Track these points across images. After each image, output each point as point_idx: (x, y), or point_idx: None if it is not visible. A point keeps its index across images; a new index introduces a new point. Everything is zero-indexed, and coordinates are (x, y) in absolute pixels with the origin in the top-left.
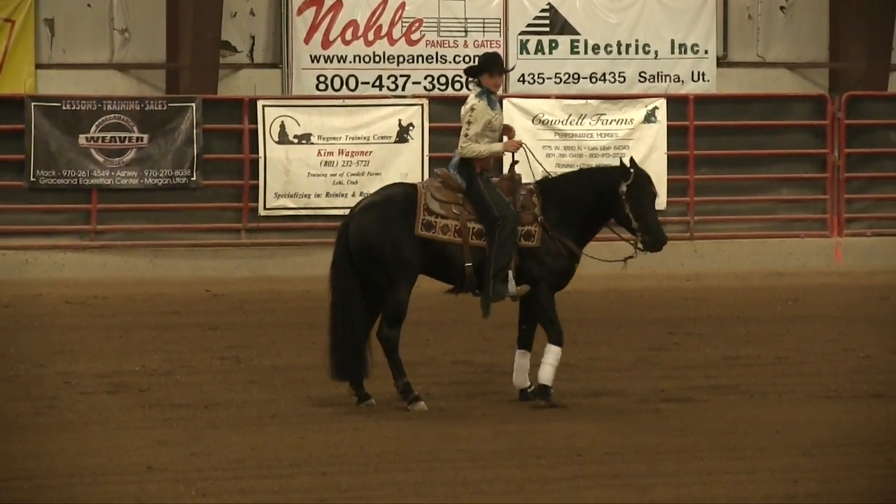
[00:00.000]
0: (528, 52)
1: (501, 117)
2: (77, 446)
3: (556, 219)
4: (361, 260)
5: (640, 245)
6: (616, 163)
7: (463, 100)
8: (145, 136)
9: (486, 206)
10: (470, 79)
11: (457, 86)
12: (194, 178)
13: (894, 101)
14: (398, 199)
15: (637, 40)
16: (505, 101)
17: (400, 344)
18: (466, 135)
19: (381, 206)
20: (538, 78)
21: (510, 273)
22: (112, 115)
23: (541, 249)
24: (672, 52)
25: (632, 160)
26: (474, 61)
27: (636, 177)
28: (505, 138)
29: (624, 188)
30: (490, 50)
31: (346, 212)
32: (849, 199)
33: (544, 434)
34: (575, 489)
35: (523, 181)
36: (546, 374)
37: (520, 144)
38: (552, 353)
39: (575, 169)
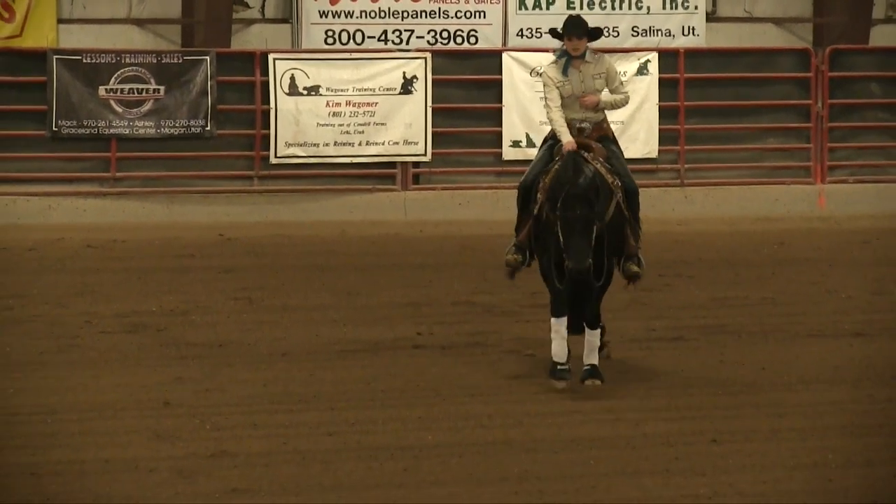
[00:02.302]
0: (526, 8)
1: (578, 83)
2: (97, 382)
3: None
4: None
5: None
6: (609, 114)
7: (464, 54)
8: (162, 88)
9: None
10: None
11: (458, 40)
12: (208, 128)
13: (875, 54)
14: None
15: None
16: (504, 55)
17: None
18: (543, 101)
19: None
20: (536, 32)
21: (513, 240)
22: (130, 68)
23: (537, 217)
24: (663, 8)
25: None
26: (475, 17)
27: (566, 193)
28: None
29: (559, 203)
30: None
31: (353, 160)
32: (832, 148)
33: (542, 372)
34: (571, 423)
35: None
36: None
37: (572, 148)
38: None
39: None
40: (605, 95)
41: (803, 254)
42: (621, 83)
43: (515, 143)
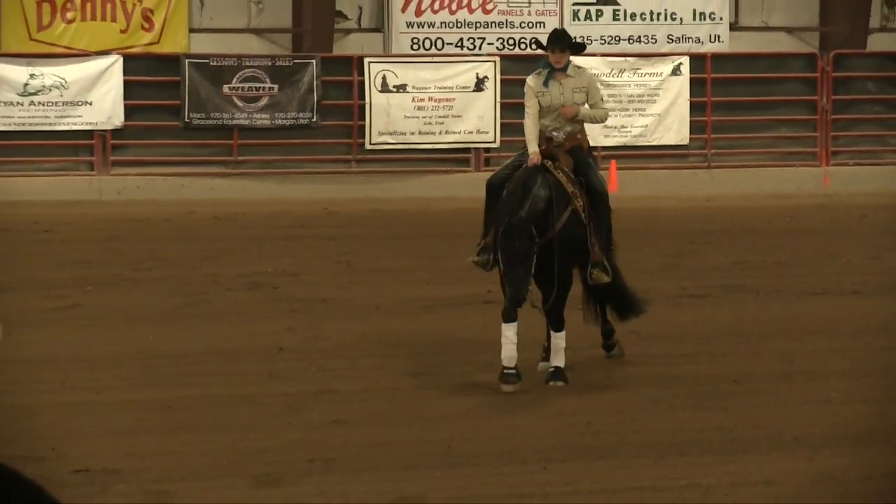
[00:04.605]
0: (579, 19)
1: (558, 94)
2: (220, 332)
3: None
4: None
5: None
6: (648, 107)
7: (528, 57)
8: (276, 87)
9: None
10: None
11: (522, 46)
12: (314, 120)
13: (872, 58)
14: None
15: (665, 9)
16: None
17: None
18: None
19: None
20: (587, 40)
21: (480, 241)
22: (249, 70)
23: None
24: (694, 19)
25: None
26: (536, 27)
27: (506, 225)
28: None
29: (500, 234)
30: (559, 27)
31: (434, 146)
32: (834, 136)
33: (578, 324)
34: (614, 366)
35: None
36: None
37: (535, 161)
38: None
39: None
40: (585, 109)
41: (810, 225)
42: (601, 99)
43: None
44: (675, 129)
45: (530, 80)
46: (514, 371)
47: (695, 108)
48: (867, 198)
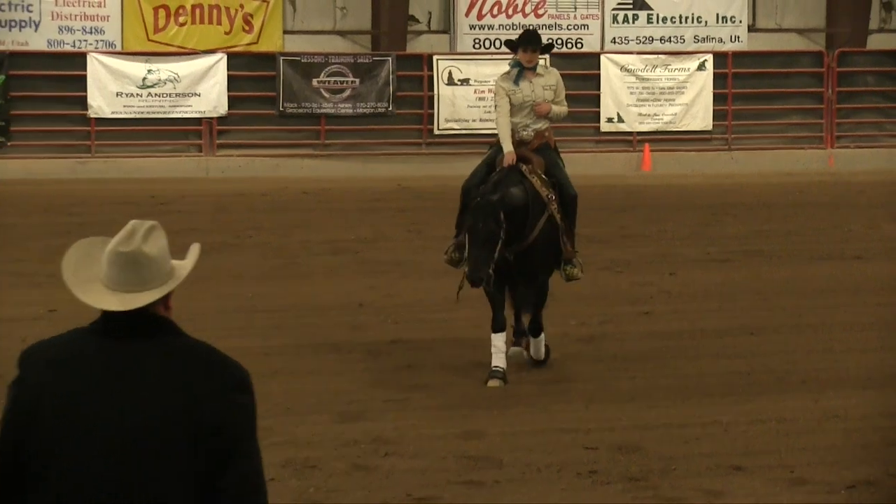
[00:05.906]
0: (618, 22)
1: (529, 92)
2: (310, 290)
3: None
4: None
5: None
6: (677, 98)
7: (573, 55)
8: (357, 80)
9: None
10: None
11: (569, 45)
12: (390, 109)
13: (871, 55)
14: None
15: (693, 13)
16: (602, 57)
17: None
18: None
19: None
20: (624, 40)
21: (453, 239)
22: (335, 66)
23: None
24: (717, 22)
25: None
26: (581, 28)
27: (476, 204)
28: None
29: (469, 211)
30: (531, 27)
31: (493, 132)
32: (838, 123)
33: (618, 284)
34: (647, 321)
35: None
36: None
37: (511, 161)
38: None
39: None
40: (553, 106)
41: (817, 199)
42: (565, 97)
43: (609, 120)
44: (700, 116)
45: (500, 80)
46: (501, 370)
47: (717, 98)
48: (866, 176)
